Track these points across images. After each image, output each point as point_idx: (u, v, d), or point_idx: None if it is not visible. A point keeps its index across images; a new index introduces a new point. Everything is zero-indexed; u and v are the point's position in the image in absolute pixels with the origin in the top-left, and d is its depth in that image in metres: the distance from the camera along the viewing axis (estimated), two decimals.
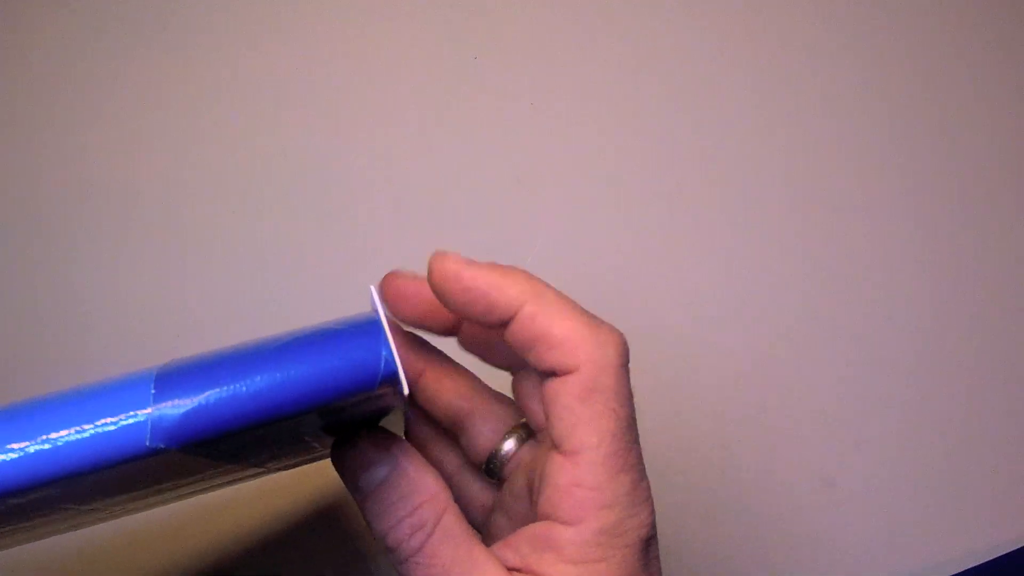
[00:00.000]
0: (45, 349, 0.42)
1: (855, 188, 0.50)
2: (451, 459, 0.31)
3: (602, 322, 0.25)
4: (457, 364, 0.31)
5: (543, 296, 0.25)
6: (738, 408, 0.46)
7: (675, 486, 0.44)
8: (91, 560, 0.39)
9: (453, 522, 0.25)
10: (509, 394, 0.30)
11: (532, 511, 0.26)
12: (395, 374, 0.21)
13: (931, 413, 0.48)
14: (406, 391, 0.22)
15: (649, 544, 0.25)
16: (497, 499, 0.30)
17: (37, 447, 0.19)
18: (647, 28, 0.50)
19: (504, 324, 0.25)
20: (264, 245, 0.45)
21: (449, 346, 0.31)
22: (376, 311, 0.24)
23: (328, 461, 0.27)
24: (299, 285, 0.44)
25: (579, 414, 0.24)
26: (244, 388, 0.21)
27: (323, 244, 0.45)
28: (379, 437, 0.25)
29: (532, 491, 0.27)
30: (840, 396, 0.47)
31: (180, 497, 0.30)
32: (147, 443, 0.20)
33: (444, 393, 0.30)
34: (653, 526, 0.25)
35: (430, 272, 0.26)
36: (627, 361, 0.25)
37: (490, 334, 0.27)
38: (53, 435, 0.19)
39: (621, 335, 0.25)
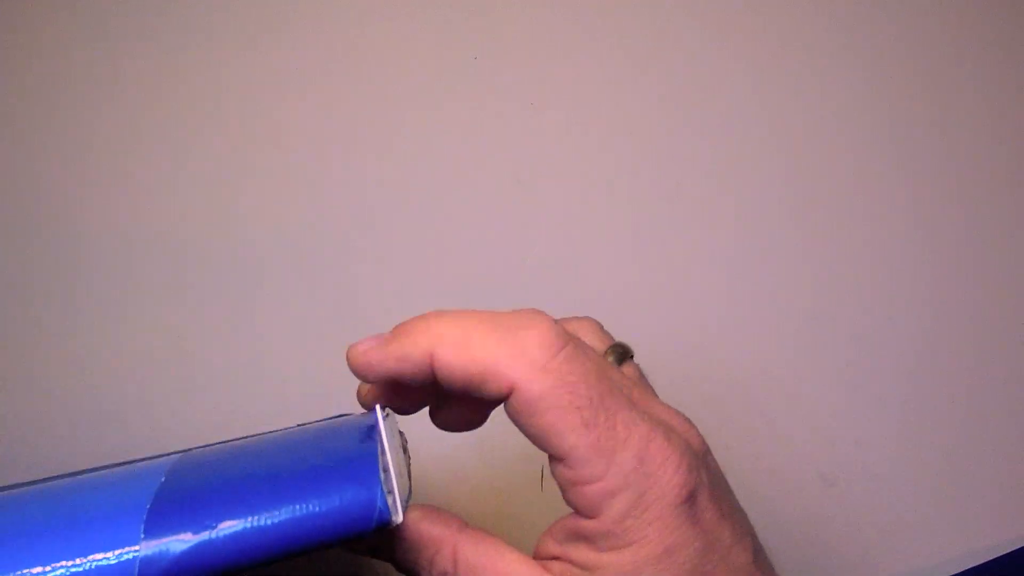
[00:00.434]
0: (42, 350, 0.42)
1: (854, 190, 0.50)
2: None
3: (513, 321, 0.24)
4: None
5: (444, 336, 0.24)
6: (738, 408, 0.46)
7: None
8: None
9: (469, 550, 0.25)
10: None
11: None
12: (389, 520, 0.22)
13: (931, 413, 0.48)
14: (399, 521, 0.23)
15: (691, 500, 0.24)
16: None
17: None
18: (647, 28, 0.50)
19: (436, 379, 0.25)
20: (263, 244, 0.45)
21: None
22: (376, 438, 0.24)
23: None
24: (298, 284, 0.44)
25: (540, 425, 0.24)
26: (237, 534, 0.20)
27: (323, 244, 0.45)
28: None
29: None
30: (840, 396, 0.47)
31: None
32: None
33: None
34: (687, 480, 0.24)
35: (351, 369, 0.26)
36: (557, 343, 0.24)
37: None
38: (32, 571, 0.19)
39: (539, 321, 0.24)
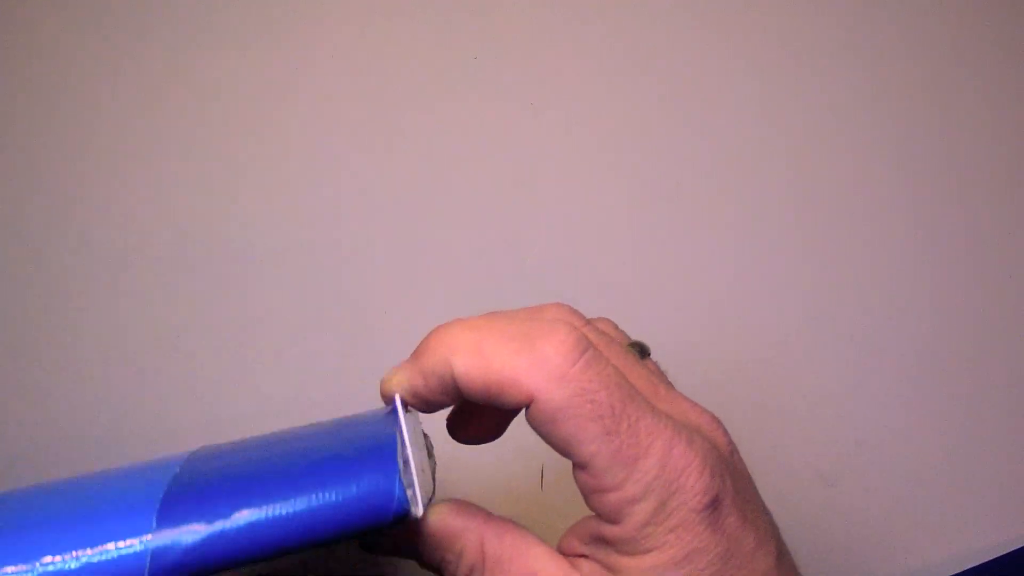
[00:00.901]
0: (37, 353, 0.42)
1: (854, 191, 0.50)
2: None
3: (531, 328, 0.24)
4: None
5: (460, 347, 0.24)
6: (738, 408, 0.46)
7: None
8: None
9: (496, 542, 0.25)
10: None
11: None
12: (407, 511, 0.21)
13: (931, 413, 0.48)
14: (420, 514, 0.22)
15: (714, 507, 0.24)
16: None
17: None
18: (647, 28, 0.50)
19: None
20: (263, 244, 0.45)
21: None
22: (396, 429, 0.24)
23: None
24: (297, 285, 0.44)
25: (561, 435, 0.23)
26: (251, 524, 0.20)
27: (322, 244, 0.45)
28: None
29: None
30: (840, 396, 0.47)
31: None
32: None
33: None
34: (710, 487, 0.24)
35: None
36: (576, 350, 0.24)
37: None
38: (45, 560, 0.19)
39: (557, 328, 0.24)
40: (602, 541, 0.24)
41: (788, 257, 0.48)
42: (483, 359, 0.24)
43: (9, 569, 0.19)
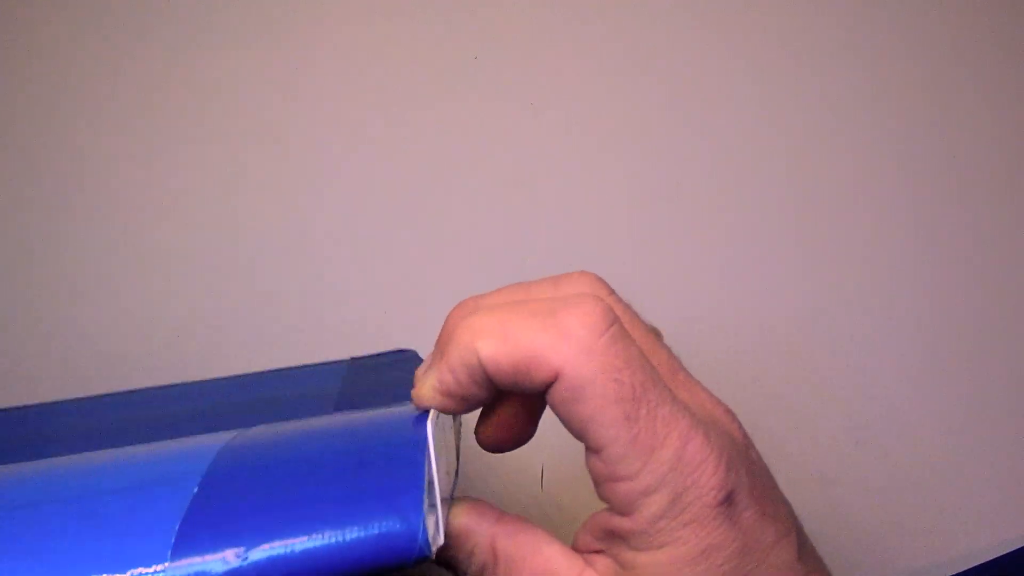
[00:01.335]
0: (38, 350, 0.42)
1: (854, 190, 0.50)
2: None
3: (554, 303, 0.23)
4: None
5: (484, 330, 0.23)
6: (737, 408, 0.46)
7: None
8: None
9: (507, 542, 0.24)
10: None
11: None
12: (428, 555, 0.20)
13: (932, 413, 0.48)
14: (440, 543, 0.22)
15: (728, 501, 0.23)
16: None
17: None
18: (648, 27, 0.50)
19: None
20: (262, 244, 0.45)
21: None
22: (423, 458, 0.22)
23: None
24: (299, 284, 0.44)
25: (582, 414, 0.22)
26: (271, 559, 0.19)
27: (321, 245, 0.45)
28: None
29: None
30: (840, 396, 0.47)
31: None
32: None
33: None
34: (725, 482, 0.23)
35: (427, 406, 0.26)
36: (603, 322, 0.23)
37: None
38: None
39: (583, 300, 0.23)
40: (614, 535, 0.24)
41: (788, 257, 0.48)
42: (508, 339, 0.23)
43: None
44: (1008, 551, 0.46)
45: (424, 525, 0.20)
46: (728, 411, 0.26)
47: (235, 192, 0.45)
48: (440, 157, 0.47)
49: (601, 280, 0.26)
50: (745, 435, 0.26)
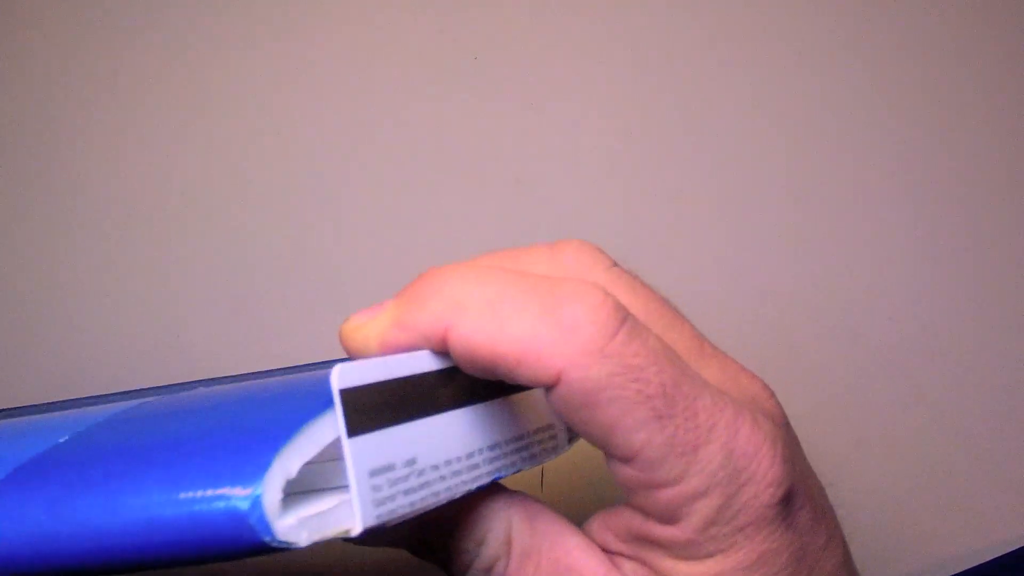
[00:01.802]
0: (38, 352, 0.42)
1: (853, 191, 0.50)
2: None
3: (556, 288, 0.19)
4: None
5: (466, 303, 0.19)
6: None
7: None
8: None
9: (525, 528, 0.20)
10: None
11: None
12: (271, 541, 0.14)
13: (931, 412, 0.48)
14: (355, 532, 0.16)
15: (787, 500, 0.20)
16: None
17: None
18: (648, 27, 0.50)
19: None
20: (261, 243, 0.45)
21: None
22: (310, 411, 0.16)
23: None
24: (297, 284, 0.44)
25: (600, 422, 0.19)
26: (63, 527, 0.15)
27: (322, 243, 0.45)
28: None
29: None
30: (840, 395, 0.47)
31: None
32: None
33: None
34: (783, 476, 0.19)
35: (345, 350, 0.21)
36: (615, 318, 0.18)
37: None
38: None
39: (589, 291, 0.19)
40: (649, 542, 0.20)
41: (787, 255, 0.48)
42: (496, 322, 0.18)
43: None
44: (1008, 551, 0.46)
45: (262, 502, 0.14)
46: (764, 385, 0.23)
47: (234, 193, 0.45)
48: (439, 157, 0.47)
49: (601, 249, 0.22)
50: (783, 411, 0.23)
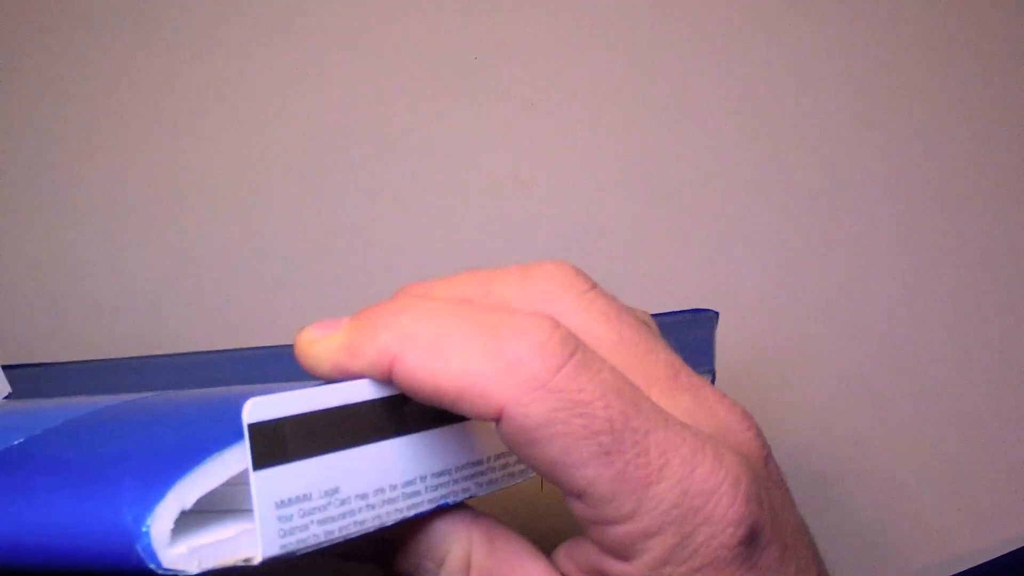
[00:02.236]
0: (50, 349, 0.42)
1: (851, 190, 0.50)
2: None
3: (503, 322, 0.19)
4: None
5: (413, 336, 0.19)
6: None
7: None
8: None
9: (484, 551, 0.20)
10: None
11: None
12: (157, 568, 0.15)
13: (931, 412, 0.48)
14: (258, 560, 0.16)
15: (750, 540, 0.19)
16: None
17: None
18: (648, 27, 0.50)
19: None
20: (262, 245, 0.45)
21: None
22: (223, 440, 0.17)
23: None
24: (296, 286, 0.44)
25: (544, 458, 0.18)
26: None
27: (322, 243, 0.45)
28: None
29: None
30: (840, 395, 0.47)
31: None
32: None
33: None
34: (744, 516, 0.19)
35: (299, 362, 0.21)
36: (562, 351, 0.18)
37: None
38: None
39: (536, 323, 0.18)
40: None
41: (786, 254, 0.48)
42: (439, 358, 0.18)
43: None
44: (1008, 551, 0.46)
45: (150, 533, 0.15)
46: (743, 415, 0.22)
47: (233, 193, 0.45)
48: (440, 157, 0.47)
49: (579, 272, 0.22)
50: (764, 444, 0.22)
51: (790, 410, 0.46)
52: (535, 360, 0.18)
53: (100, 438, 0.19)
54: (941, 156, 0.51)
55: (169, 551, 0.15)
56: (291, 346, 0.20)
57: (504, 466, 0.22)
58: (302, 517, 0.17)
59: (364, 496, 0.18)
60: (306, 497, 0.17)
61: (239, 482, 0.17)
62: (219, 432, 0.17)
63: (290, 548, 0.17)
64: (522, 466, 0.22)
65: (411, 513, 0.19)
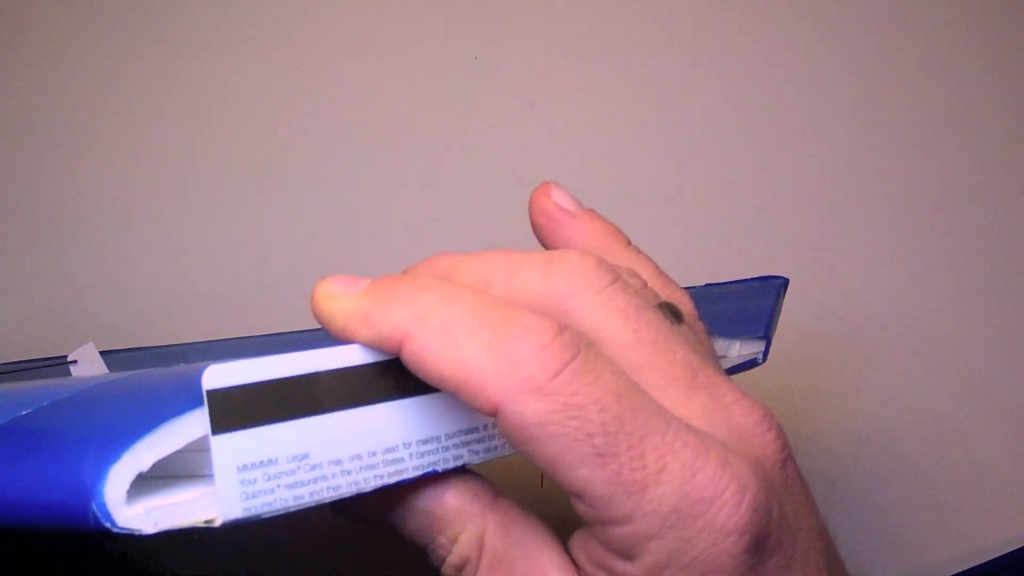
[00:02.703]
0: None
1: (849, 189, 0.50)
2: None
3: (512, 318, 0.19)
4: None
5: (426, 318, 0.19)
6: None
7: None
8: None
9: (499, 536, 0.20)
10: None
11: None
12: (108, 527, 0.16)
13: (931, 412, 0.48)
14: (219, 522, 0.17)
15: (755, 549, 0.19)
16: None
17: None
18: (647, 27, 0.50)
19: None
20: (261, 244, 0.45)
21: None
22: (183, 397, 0.17)
23: None
24: (294, 283, 0.44)
25: (541, 456, 0.18)
26: None
27: (322, 242, 0.45)
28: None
29: None
30: (840, 395, 0.47)
31: None
32: None
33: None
34: (748, 524, 0.18)
35: (313, 312, 0.21)
36: (563, 354, 0.18)
37: None
38: None
39: (543, 324, 0.19)
40: (613, 573, 0.20)
41: (786, 254, 0.48)
42: (447, 345, 0.19)
43: None
44: (1008, 551, 0.46)
45: (103, 493, 0.16)
46: (764, 416, 0.21)
47: (235, 192, 0.45)
48: (440, 157, 0.47)
49: (601, 265, 0.21)
50: (783, 447, 0.22)
51: (791, 409, 0.46)
52: (534, 362, 0.18)
53: (76, 413, 0.20)
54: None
55: (125, 511, 0.16)
56: (310, 331, 0.20)
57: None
58: (267, 481, 0.17)
59: (338, 462, 0.18)
60: (271, 462, 0.17)
61: (203, 448, 0.17)
62: (180, 399, 0.17)
63: (255, 512, 0.17)
64: None
65: (394, 480, 0.19)
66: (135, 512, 0.16)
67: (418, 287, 0.20)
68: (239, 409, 0.17)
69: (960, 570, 0.45)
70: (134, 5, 0.46)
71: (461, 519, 0.20)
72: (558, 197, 0.28)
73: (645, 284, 0.23)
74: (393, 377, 0.20)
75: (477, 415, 0.21)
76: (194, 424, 0.17)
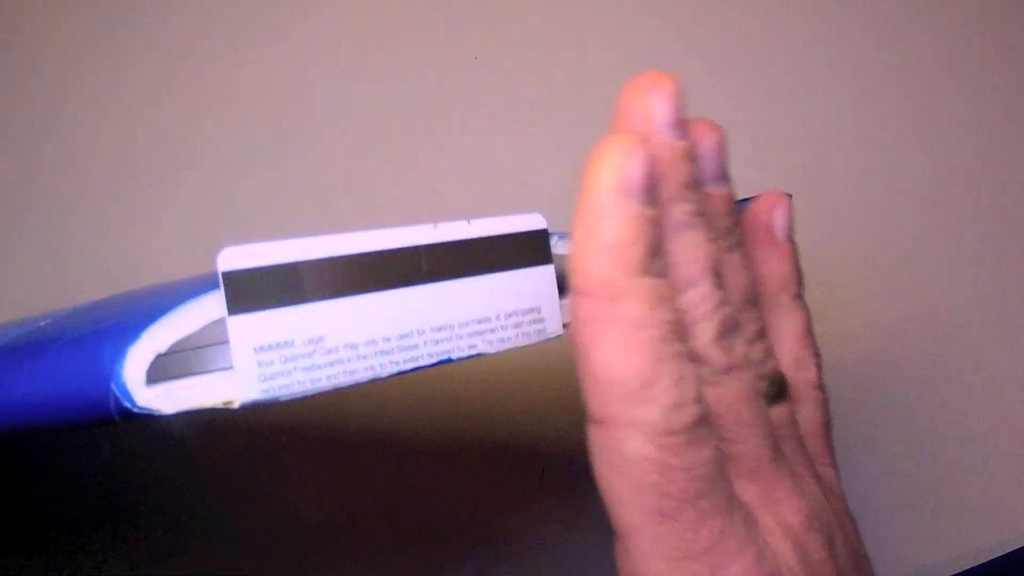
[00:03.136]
0: None
1: (849, 188, 0.50)
2: None
3: (673, 374, 0.19)
4: None
5: (617, 298, 0.19)
6: None
7: None
8: None
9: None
10: None
11: None
12: (130, 407, 0.16)
13: (931, 412, 0.48)
14: (239, 403, 0.17)
15: None
16: None
17: None
18: (647, 27, 0.50)
19: None
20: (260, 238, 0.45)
21: None
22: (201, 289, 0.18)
23: None
24: None
25: (611, 484, 0.19)
26: None
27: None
28: None
29: None
30: (839, 395, 0.47)
31: None
32: None
33: None
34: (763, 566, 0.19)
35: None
36: (691, 423, 0.19)
37: None
38: None
39: (685, 390, 0.19)
40: None
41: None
42: (611, 345, 0.19)
43: None
44: (1008, 551, 0.46)
45: (123, 373, 0.16)
46: (809, 519, 0.22)
47: (234, 194, 0.45)
48: (440, 157, 0.47)
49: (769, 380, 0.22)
50: (824, 544, 0.22)
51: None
52: (661, 413, 0.18)
53: (91, 313, 0.20)
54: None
55: (144, 391, 0.16)
56: None
57: (517, 324, 0.22)
58: (284, 363, 0.17)
59: (353, 346, 0.18)
60: (287, 344, 0.17)
61: (222, 340, 0.17)
62: (197, 285, 0.17)
63: (272, 393, 0.17)
64: (537, 326, 0.23)
65: (409, 367, 0.20)
66: (155, 393, 0.16)
67: (686, 282, 0.20)
68: (255, 291, 0.17)
69: (960, 570, 0.45)
70: (134, 5, 0.46)
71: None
72: (776, 217, 0.28)
73: (767, 352, 0.23)
74: (407, 264, 0.20)
75: (490, 305, 0.21)
76: (211, 305, 0.17)
